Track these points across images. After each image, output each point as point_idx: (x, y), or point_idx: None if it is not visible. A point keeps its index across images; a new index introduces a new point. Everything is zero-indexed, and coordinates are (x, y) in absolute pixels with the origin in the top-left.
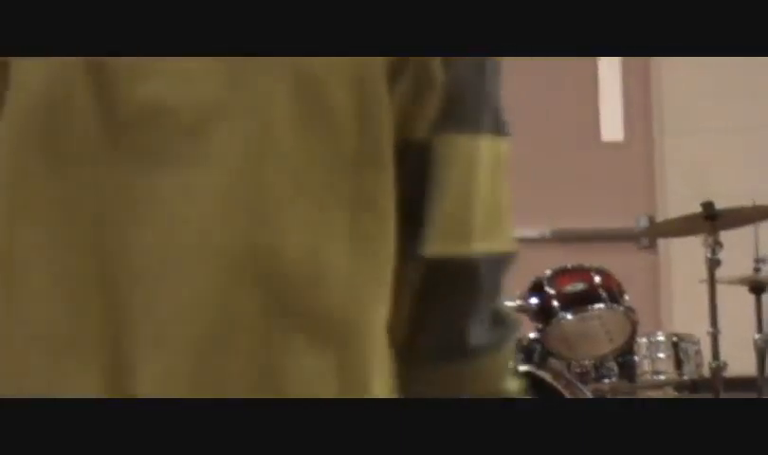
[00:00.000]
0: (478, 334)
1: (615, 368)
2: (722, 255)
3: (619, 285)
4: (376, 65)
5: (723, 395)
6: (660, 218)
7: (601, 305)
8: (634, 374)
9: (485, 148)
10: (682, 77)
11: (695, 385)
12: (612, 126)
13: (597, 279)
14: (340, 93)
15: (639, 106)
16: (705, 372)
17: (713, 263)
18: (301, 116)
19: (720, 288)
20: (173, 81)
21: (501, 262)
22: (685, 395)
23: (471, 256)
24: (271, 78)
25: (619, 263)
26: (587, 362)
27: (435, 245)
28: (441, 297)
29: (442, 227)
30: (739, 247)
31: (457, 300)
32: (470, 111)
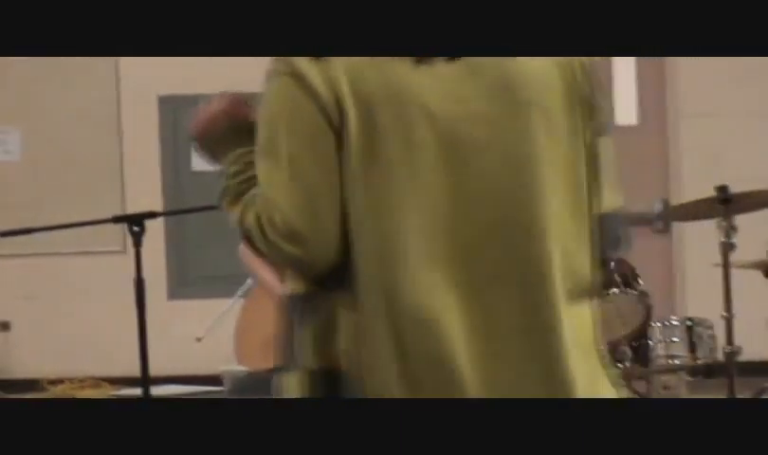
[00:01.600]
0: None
1: (629, 352)
2: (736, 239)
3: (633, 270)
4: (577, 66)
5: (738, 379)
6: (674, 202)
7: (615, 290)
8: (648, 358)
9: (609, 141)
10: (697, 60)
11: (709, 369)
12: (626, 110)
13: (611, 263)
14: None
15: (654, 90)
16: (719, 356)
17: (727, 247)
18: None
19: (734, 272)
20: None
21: (618, 214)
22: (700, 379)
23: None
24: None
25: (633, 247)
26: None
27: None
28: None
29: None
30: (753, 231)
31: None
32: (605, 117)
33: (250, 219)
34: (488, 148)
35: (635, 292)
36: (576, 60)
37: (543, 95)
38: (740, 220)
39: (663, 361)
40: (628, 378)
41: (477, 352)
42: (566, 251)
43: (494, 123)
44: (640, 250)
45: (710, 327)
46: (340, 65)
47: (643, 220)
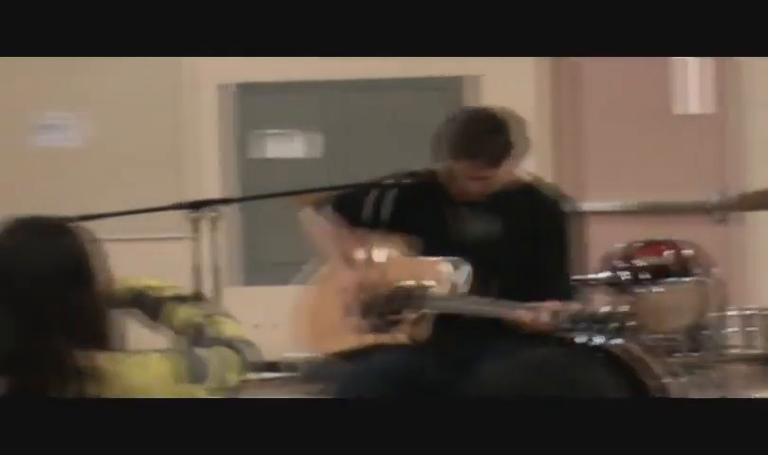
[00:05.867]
0: None
1: (700, 341)
2: None
3: (708, 258)
4: None
5: None
6: (747, 190)
7: (689, 278)
8: (721, 348)
9: None
10: None
11: None
12: (698, 98)
13: (686, 251)
14: None
15: (724, 78)
16: None
17: None
18: None
19: None
20: None
21: None
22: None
23: None
24: None
25: (705, 236)
26: (674, 335)
27: None
28: None
29: None
30: None
31: None
32: None
33: None
34: None
35: (710, 280)
36: None
37: None
38: None
39: (738, 351)
40: (701, 367)
41: None
42: None
43: None
44: (710, 238)
45: None
46: None
47: (713, 208)
